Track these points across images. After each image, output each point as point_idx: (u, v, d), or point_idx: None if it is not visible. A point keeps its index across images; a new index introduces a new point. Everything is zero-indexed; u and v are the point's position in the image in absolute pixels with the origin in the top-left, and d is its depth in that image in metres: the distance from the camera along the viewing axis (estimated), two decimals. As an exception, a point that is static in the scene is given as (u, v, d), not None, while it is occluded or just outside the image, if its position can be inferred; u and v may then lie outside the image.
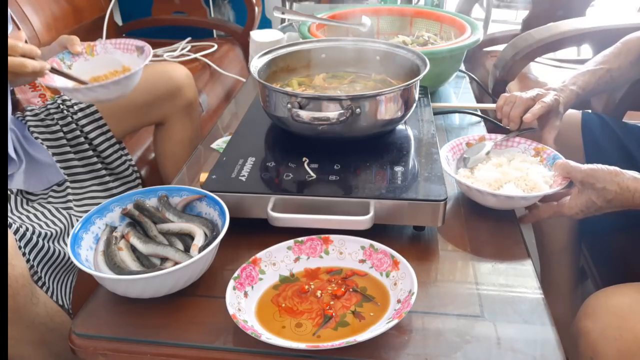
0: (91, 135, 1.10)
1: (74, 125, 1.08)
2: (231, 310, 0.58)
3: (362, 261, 0.68)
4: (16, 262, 0.73)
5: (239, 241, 0.74)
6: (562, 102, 0.93)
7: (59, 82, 0.86)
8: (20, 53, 0.76)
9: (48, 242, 0.90)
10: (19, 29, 1.54)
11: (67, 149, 1.06)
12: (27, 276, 0.75)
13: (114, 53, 0.96)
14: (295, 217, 0.72)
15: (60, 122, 1.06)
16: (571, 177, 0.77)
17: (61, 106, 1.09)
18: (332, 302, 0.62)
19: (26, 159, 1.01)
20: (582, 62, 1.82)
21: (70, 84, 0.87)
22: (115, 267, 0.65)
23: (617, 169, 0.73)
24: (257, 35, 1.41)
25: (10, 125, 0.98)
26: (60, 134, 1.05)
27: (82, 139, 1.08)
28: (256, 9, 2.07)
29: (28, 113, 1.07)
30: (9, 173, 0.98)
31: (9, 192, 0.96)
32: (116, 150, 1.14)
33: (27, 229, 0.86)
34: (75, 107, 1.09)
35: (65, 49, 0.92)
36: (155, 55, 1.88)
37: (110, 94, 0.88)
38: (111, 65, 0.94)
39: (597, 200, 0.73)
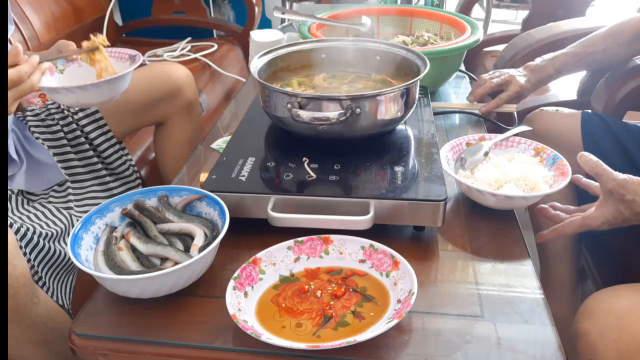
0: (91, 136, 1.10)
1: (74, 126, 1.08)
2: (231, 310, 0.58)
3: (362, 261, 0.68)
4: (17, 262, 0.73)
5: (239, 241, 0.74)
6: (530, 85, 1.08)
7: (43, 82, 0.83)
8: (27, 76, 0.74)
9: (49, 242, 0.90)
10: (19, 29, 1.54)
11: (68, 149, 1.06)
12: (28, 276, 0.75)
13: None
14: (295, 217, 0.72)
15: (61, 122, 1.07)
16: (600, 182, 0.72)
17: (62, 106, 1.09)
18: (332, 302, 0.62)
19: (27, 159, 1.01)
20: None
21: (52, 84, 0.85)
22: (115, 267, 0.65)
23: None
24: (257, 35, 1.41)
25: (11, 125, 0.98)
26: (61, 134, 1.05)
27: (82, 139, 1.08)
28: (256, 9, 2.08)
29: (29, 113, 1.07)
30: (10, 174, 0.98)
31: (10, 193, 0.96)
32: (116, 151, 1.14)
33: (27, 229, 0.86)
34: (76, 107, 1.09)
35: (61, 53, 0.92)
36: (155, 55, 1.88)
37: (92, 98, 0.86)
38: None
39: (625, 212, 0.70)
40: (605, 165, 0.72)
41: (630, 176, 0.70)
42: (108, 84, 0.86)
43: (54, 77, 0.90)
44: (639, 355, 0.62)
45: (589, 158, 0.73)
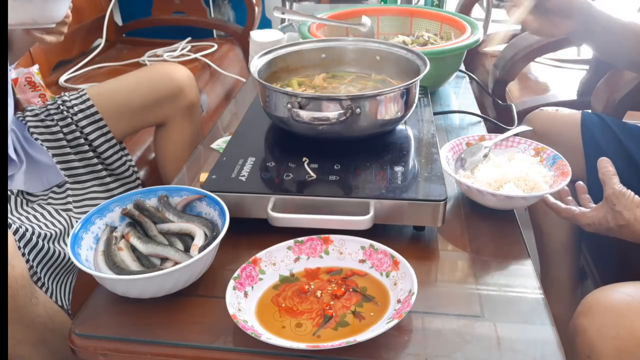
0: (91, 137, 1.09)
1: (74, 127, 1.07)
2: (231, 310, 0.58)
3: (362, 261, 0.68)
4: (16, 263, 0.73)
5: (239, 241, 0.74)
6: None
7: None
8: None
9: (48, 242, 0.90)
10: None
11: (68, 149, 1.05)
12: (26, 276, 0.75)
13: None
14: (295, 217, 0.72)
15: (60, 123, 1.06)
16: (604, 187, 0.74)
17: (61, 107, 1.09)
18: (332, 302, 0.62)
19: (26, 160, 1.01)
20: (582, 62, 1.83)
21: None
22: (115, 267, 0.65)
23: None
24: (257, 35, 1.41)
25: (10, 125, 0.98)
26: (60, 135, 1.05)
27: (82, 140, 1.08)
28: (256, 9, 2.08)
29: (28, 113, 1.07)
30: (9, 174, 0.98)
31: (9, 193, 0.96)
32: (116, 151, 1.14)
33: (26, 230, 0.86)
34: (76, 108, 1.09)
35: None
36: (155, 55, 1.88)
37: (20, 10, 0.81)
38: None
39: (611, 221, 0.72)
40: (613, 175, 0.73)
41: (630, 192, 0.72)
42: None
43: None
44: (636, 351, 0.62)
45: (605, 165, 0.75)
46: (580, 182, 0.82)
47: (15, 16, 0.82)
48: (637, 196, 0.71)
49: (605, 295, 0.68)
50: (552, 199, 0.80)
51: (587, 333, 0.65)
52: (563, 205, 0.79)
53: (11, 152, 0.98)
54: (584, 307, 0.68)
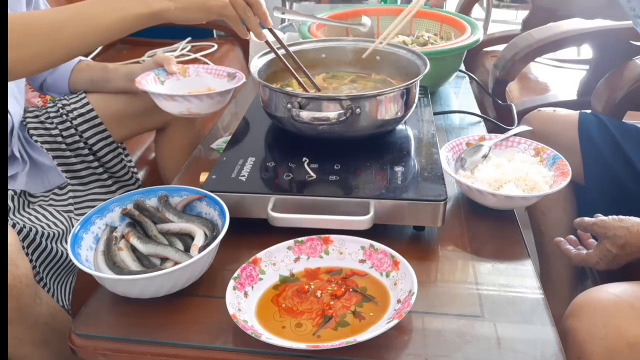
0: (91, 141, 1.08)
1: (73, 130, 1.06)
2: (231, 310, 0.58)
3: (362, 261, 0.68)
4: (20, 262, 0.73)
5: (239, 241, 0.74)
6: None
7: (152, 88, 0.94)
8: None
9: (50, 242, 0.90)
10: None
11: (68, 152, 1.05)
12: (30, 276, 0.75)
13: (205, 77, 1.04)
14: (295, 217, 0.72)
15: (60, 127, 1.06)
16: (588, 230, 0.78)
17: (60, 110, 1.08)
18: (332, 302, 0.62)
19: (29, 161, 1.01)
20: (582, 62, 1.83)
21: (162, 91, 0.95)
22: (115, 267, 0.65)
23: (622, 216, 0.74)
24: (257, 35, 1.41)
25: (15, 124, 0.98)
26: (60, 138, 1.05)
27: (81, 144, 1.07)
28: (256, 9, 2.07)
29: (28, 114, 1.06)
30: (13, 172, 0.98)
31: (12, 193, 0.96)
32: (116, 155, 1.13)
33: (30, 230, 0.86)
34: (75, 113, 1.08)
35: (160, 66, 1.02)
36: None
37: (202, 108, 0.95)
38: (199, 87, 1.02)
39: (612, 248, 0.74)
40: (583, 220, 0.78)
41: (612, 216, 0.75)
42: (219, 96, 0.95)
43: (157, 86, 0.99)
44: (625, 352, 0.62)
45: (578, 222, 0.79)
46: (581, 232, 0.85)
47: None
48: (616, 216, 0.74)
49: (593, 296, 0.68)
50: (565, 245, 0.83)
51: (577, 334, 0.65)
52: (574, 251, 0.82)
53: (15, 151, 0.98)
54: (574, 309, 0.68)
